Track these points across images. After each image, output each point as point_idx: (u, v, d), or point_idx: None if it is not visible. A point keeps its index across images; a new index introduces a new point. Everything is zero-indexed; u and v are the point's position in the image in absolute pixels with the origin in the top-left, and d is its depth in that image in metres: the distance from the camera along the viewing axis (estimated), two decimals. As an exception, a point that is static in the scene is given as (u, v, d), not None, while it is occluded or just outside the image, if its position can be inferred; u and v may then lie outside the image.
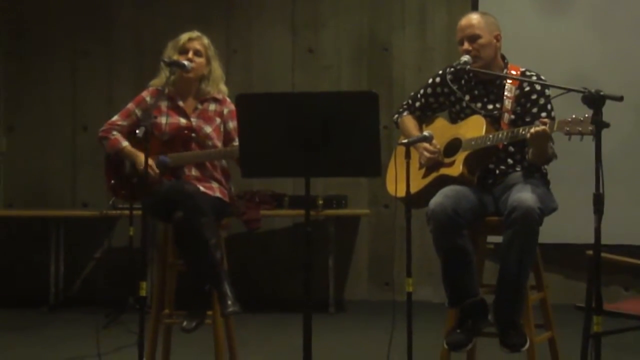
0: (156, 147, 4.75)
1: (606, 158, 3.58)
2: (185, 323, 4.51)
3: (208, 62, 4.94)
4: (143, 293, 4.17)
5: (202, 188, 4.66)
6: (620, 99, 3.64)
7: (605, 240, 3.61)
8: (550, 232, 4.51)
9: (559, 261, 7.20)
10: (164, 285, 4.76)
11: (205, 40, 4.95)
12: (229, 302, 4.45)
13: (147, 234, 4.24)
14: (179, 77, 4.85)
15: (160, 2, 8.08)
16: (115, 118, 4.93)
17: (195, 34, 4.94)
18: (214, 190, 4.77)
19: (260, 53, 8.00)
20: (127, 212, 6.40)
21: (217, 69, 4.98)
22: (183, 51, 4.87)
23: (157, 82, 4.93)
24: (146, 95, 4.93)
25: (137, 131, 4.15)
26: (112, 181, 4.92)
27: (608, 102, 3.65)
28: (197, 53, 4.88)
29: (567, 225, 6.07)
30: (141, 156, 4.58)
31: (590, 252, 3.73)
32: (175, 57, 4.82)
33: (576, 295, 5.10)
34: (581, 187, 4.33)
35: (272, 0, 8.04)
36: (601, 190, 3.55)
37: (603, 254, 3.67)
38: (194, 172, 4.79)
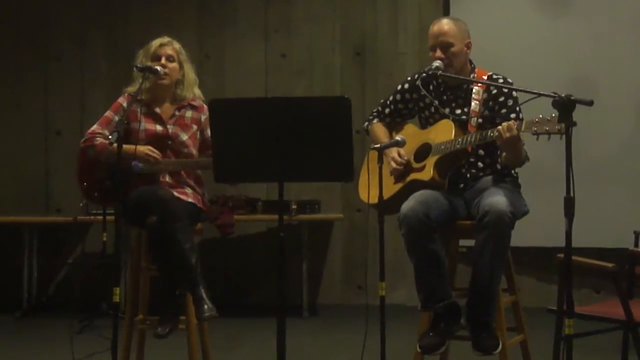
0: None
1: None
2: (159, 329, 4.50)
3: (181, 66, 4.91)
4: (116, 299, 4.17)
5: (175, 193, 4.64)
6: (590, 103, 3.62)
7: (576, 243, 3.63)
8: (522, 235, 4.54)
9: (531, 264, 7.25)
10: (137, 291, 4.74)
11: (177, 45, 4.93)
12: (206, 307, 4.45)
13: (120, 240, 4.23)
14: (154, 83, 4.83)
15: (133, 7, 8.07)
16: (94, 127, 4.80)
17: (165, 39, 4.92)
18: (188, 195, 4.75)
19: (232, 58, 8.00)
20: (100, 217, 6.41)
21: (189, 72, 4.95)
22: (155, 57, 4.84)
23: (132, 88, 4.85)
24: (122, 101, 4.86)
25: (110, 136, 4.14)
26: (85, 183, 4.86)
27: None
28: (169, 58, 4.85)
29: (538, 229, 6.08)
30: (137, 147, 4.59)
31: (561, 255, 3.75)
32: (148, 63, 4.79)
33: (548, 298, 5.13)
34: (553, 190, 4.33)
35: (245, 6, 8.05)
36: (572, 194, 3.56)
37: (574, 258, 3.69)
38: (168, 179, 4.78)
